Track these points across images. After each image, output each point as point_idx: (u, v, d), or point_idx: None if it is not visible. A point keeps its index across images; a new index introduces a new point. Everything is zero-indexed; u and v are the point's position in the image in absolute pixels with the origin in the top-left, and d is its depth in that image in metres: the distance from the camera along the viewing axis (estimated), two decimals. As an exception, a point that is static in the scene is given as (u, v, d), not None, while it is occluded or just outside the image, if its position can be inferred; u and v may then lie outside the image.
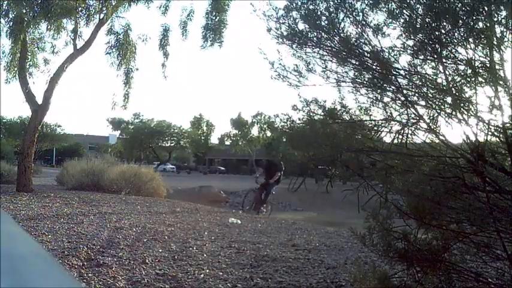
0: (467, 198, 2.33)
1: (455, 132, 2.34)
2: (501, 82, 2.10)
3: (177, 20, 10.83)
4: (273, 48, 2.71)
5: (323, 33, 2.49)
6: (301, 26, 2.59)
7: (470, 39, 2.16)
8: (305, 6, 2.52)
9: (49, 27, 9.75)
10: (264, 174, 10.84)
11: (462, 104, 2.23)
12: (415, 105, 2.41)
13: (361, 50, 2.42)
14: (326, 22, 2.46)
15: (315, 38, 2.54)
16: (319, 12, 2.48)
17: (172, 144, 54.87)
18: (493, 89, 2.14)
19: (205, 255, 4.43)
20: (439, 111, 2.32)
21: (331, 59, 2.56)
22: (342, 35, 2.45)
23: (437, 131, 2.36)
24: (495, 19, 2.14)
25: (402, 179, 2.51)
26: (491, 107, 2.14)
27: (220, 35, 10.47)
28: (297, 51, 2.63)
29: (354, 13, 2.41)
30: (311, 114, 2.68)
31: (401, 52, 2.37)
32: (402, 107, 2.47)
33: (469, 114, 2.23)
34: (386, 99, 2.51)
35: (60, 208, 7.10)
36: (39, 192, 9.41)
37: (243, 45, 76.10)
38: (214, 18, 10.43)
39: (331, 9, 2.45)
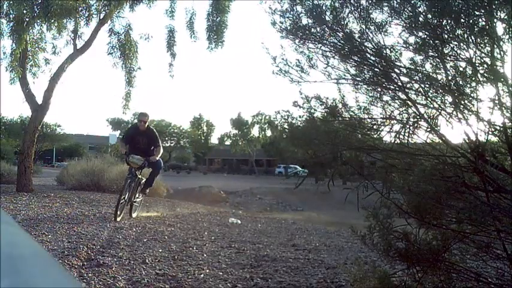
0: (467, 198, 2.33)
1: (455, 131, 2.34)
2: (502, 80, 2.10)
3: (178, 20, 10.87)
4: (274, 45, 2.73)
5: (326, 29, 2.50)
6: (304, 21, 2.62)
7: (472, 37, 2.16)
8: (310, 0, 2.54)
9: (49, 27, 9.74)
10: (136, 151, 6.54)
11: (463, 103, 2.23)
12: (416, 104, 2.41)
13: (363, 47, 2.43)
14: (331, 17, 2.47)
15: (318, 34, 2.55)
16: (323, 7, 2.50)
17: (172, 144, 54.94)
18: (494, 87, 2.14)
19: (205, 255, 4.43)
20: (439, 110, 2.32)
21: (333, 55, 2.56)
22: (345, 30, 2.46)
23: (438, 130, 2.36)
24: (497, 16, 2.14)
25: (402, 178, 2.51)
26: (491, 105, 2.14)
27: (221, 36, 10.47)
28: (300, 47, 2.64)
29: (359, 9, 2.42)
30: (312, 111, 2.68)
31: (403, 49, 2.38)
32: (403, 105, 2.47)
33: (470, 113, 2.23)
34: (387, 98, 2.51)
35: (60, 208, 7.10)
36: (39, 192, 9.40)
37: (244, 46, 76.12)
38: (215, 19, 10.43)
39: (336, 5, 2.46)
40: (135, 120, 7.00)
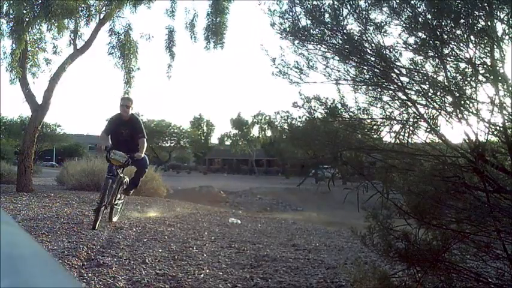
0: (467, 198, 2.33)
1: (455, 131, 2.34)
2: (502, 80, 2.10)
3: (179, 21, 10.90)
4: (274, 46, 2.73)
5: (326, 30, 2.50)
6: (304, 22, 2.61)
7: (472, 37, 2.16)
8: (309, 1, 2.53)
9: (49, 27, 9.75)
10: (118, 145, 5.62)
11: (463, 103, 2.23)
12: (416, 104, 2.41)
13: (363, 47, 2.43)
14: (329, 18, 2.47)
15: (317, 35, 2.55)
16: (322, 9, 2.49)
17: (172, 144, 54.97)
18: (494, 88, 2.14)
19: (205, 255, 4.43)
20: (439, 110, 2.32)
21: (332, 56, 2.56)
22: (345, 31, 2.45)
23: (438, 130, 2.36)
24: (496, 17, 2.14)
25: (402, 178, 2.51)
26: (491, 105, 2.15)
27: (222, 36, 10.47)
28: (299, 48, 2.64)
29: (358, 10, 2.42)
30: (311, 111, 2.69)
31: (402, 50, 2.38)
32: (403, 105, 2.47)
33: (470, 113, 2.24)
34: (386, 98, 2.51)
35: (60, 208, 7.10)
36: (39, 192, 9.40)
37: (243, 46, 76.21)
38: (214, 19, 10.44)
39: (335, 6, 2.46)
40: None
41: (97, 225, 5.23)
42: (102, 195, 5.31)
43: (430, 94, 2.34)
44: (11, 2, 9.09)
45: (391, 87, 2.44)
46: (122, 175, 5.71)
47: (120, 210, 6.23)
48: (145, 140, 5.74)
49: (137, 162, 5.74)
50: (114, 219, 5.92)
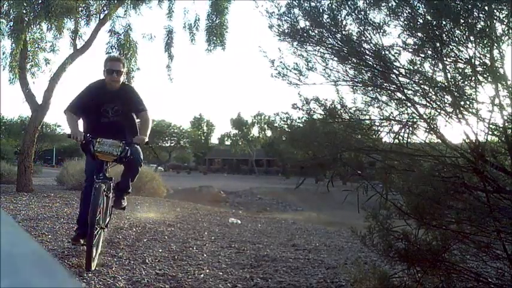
0: (467, 198, 2.34)
1: (455, 131, 2.34)
2: (501, 80, 2.11)
3: (178, 21, 10.89)
4: (273, 48, 2.73)
5: (324, 31, 2.50)
6: (302, 23, 2.61)
7: (471, 38, 2.16)
8: (307, 3, 2.54)
9: (49, 27, 9.75)
10: (101, 130, 3.65)
11: (462, 103, 2.23)
12: (415, 104, 2.41)
13: (362, 48, 2.43)
14: (328, 20, 2.47)
15: (316, 36, 2.56)
16: (321, 10, 2.50)
17: (172, 144, 55.04)
18: (494, 88, 2.14)
19: (205, 255, 4.43)
20: (439, 110, 2.32)
21: (331, 57, 2.56)
22: (343, 32, 2.46)
23: (437, 130, 2.37)
24: (496, 17, 2.14)
25: (402, 179, 2.51)
26: (491, 106, 2.15)
27: (222, 38, 10.47)
28: (298, 49, 2.64)
29: (356, 11, 2.42)
30: (311, 112, 2.69)
31: (401, 50, 2.38)
32: (402, 106, 2.47)
33: (469, 113, 2.24)
34: (386, 98, 2.52)
35: (60, 208, 7.10)
36: (39, 192, 9.40)
37: (243, 46, 76.27)
38: (214, 20, 10.43)
39: (334, 7, 2.46)
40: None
41: (95, 262, 3.37)
42: (95, 211, 3.23)
43: (429, 94, 2.34)
44: (11, 2, 9.09)
45: (390, 88, 2.44)
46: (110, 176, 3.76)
47: (101, 241, 3.69)
48: (148, 114, 3.73)
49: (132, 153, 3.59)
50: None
